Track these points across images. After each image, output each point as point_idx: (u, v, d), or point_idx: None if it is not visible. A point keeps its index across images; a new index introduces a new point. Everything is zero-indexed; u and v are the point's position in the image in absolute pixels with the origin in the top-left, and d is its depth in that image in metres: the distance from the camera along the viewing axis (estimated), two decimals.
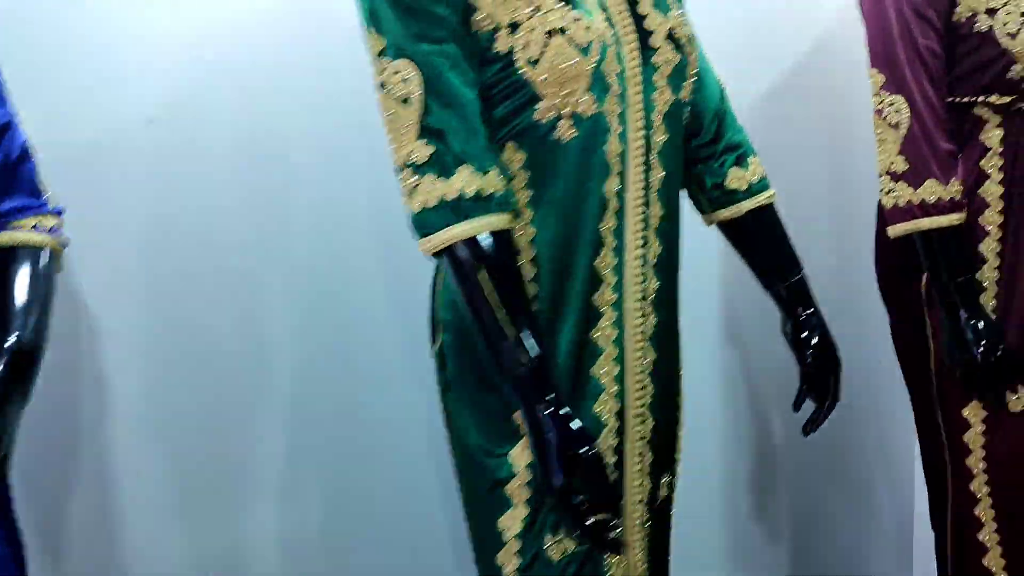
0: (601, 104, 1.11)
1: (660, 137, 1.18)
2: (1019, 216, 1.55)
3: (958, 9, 1.50)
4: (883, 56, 1.51)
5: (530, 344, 1.06)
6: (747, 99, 1.73)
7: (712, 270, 1.99)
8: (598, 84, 1.10)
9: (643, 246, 1.18)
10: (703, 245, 1.59)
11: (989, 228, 1.56)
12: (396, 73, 1.05)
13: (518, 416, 1.14)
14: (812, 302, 1.40)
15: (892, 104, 1.51)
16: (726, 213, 1.38)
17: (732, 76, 1.44)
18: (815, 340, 1.38)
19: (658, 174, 1.19)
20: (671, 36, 1.18)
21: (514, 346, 1.05)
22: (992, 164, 1.55)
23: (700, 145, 1.36)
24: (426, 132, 1.05)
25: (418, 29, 1.05)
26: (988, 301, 1.57)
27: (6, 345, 1.17)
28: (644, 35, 1.15)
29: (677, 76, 1.19)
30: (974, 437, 1.61)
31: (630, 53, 1.14)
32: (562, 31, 1.07)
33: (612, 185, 1.14)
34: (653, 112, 1.16)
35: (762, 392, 2.10)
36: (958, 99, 1.55)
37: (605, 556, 1.19)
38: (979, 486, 1.61)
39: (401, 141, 1.06)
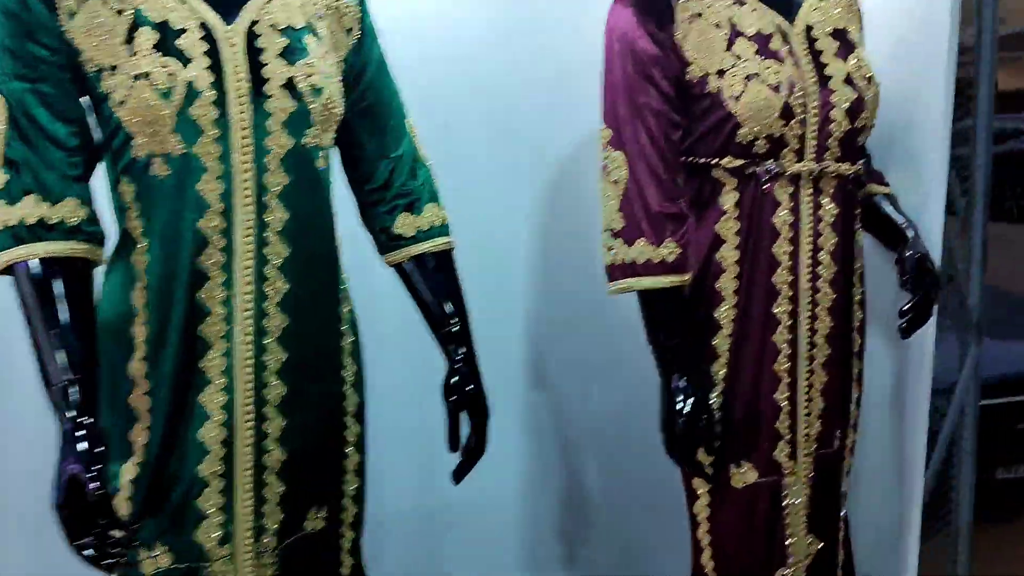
0: (191, 145, 1.17)
1: (278, 179, 1.23)
2: (751, 283, 1.50)
3: (690, 69, 1.46)
4: (610, 113, 1.49)
5: (62, 364, 1.13)
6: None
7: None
8: (186, 127, 1.17)
9: (258, 282, 1.23)
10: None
11: (725, 293, 1.51)
12: None
13: (132, 433, 1.21)
14: (465, 352, 1.41)
15: (614, 161, 1.48)
16: (393, 257, 1.41)
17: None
18: (466, 387, 1.38)
19: (280, 215, 1.24)
20: (290, 84, 1.22)
21: (49, 362, 1.13)
22: (728, 228, 1.50)
23: (370, 190, 1.39)
24: (5, 162, 1.15)
25: (12, 68, 1.14)
26: (719, 370, 1.52)
27: None
28: (258, 82, 1.21)
29: (297, 122, 1.23)
30: (701, 509, 1.56)
31: (237, 99, 1.20)
32: (147, 75, 1.14)
33: (212, 222, 1.20)
34: (267, 155, 1.22)
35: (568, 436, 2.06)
36: (697, 160, 1.51)
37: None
38: (707, 560, 1.55)
39: None
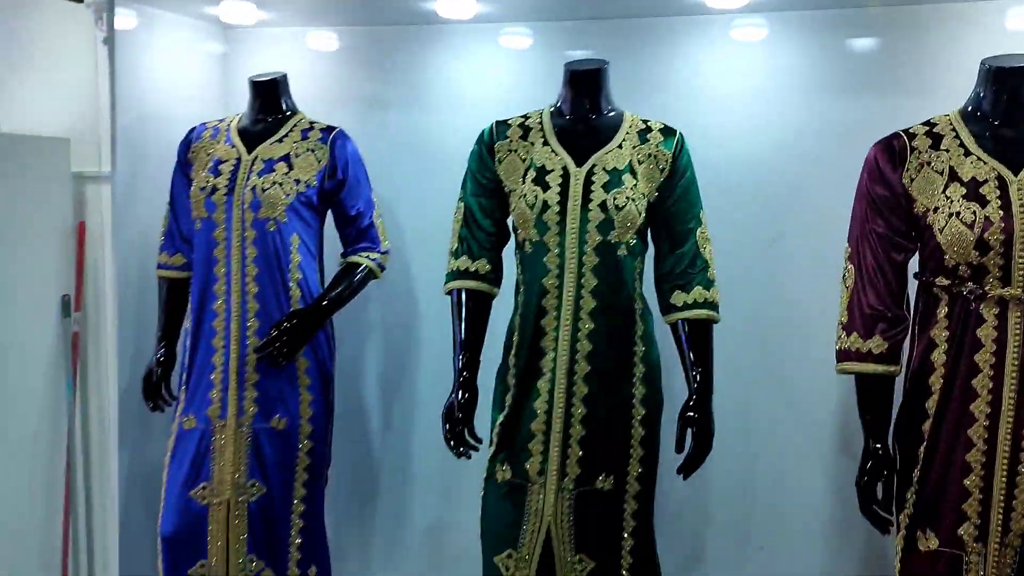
0: (542, 236, 2.05)
1: (592, 260, 2.03)
2: (954, 384, 1.80)
3: (915, 205, 1.85)
4: (851, 234, 1.94)
5: (459, 350, 2.11)
6: None
7: None
8: (540, 225, 2.05)
9: (575, 321, 2.04)
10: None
11: (934, 388, 1.84)
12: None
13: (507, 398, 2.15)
14: (699, 393, 2.03)
15: (848, 271, 1.93)
16: (667, 318, 2.09)
17: None
18: (691, 414, 2.00)
19: (591, 281, 2.03)
20: (603, 204, 2.02)
21: (456, 350, 2.13)
22: (939, 335, 1.83)
23: (662, 273, 2.11)
24: (459, 239, 2.17)
25: (472, 189, 2.17)
26: (920, 449, 1.84)
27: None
28: (586, 202, 2.03)
29: (605, 226, 2.02)
30: (897, 564, 1.88)
31: (571, 210, 2.03)
32: (523, 196, 2.06)
33: (551, 281, 2.04)
34: (586, 245, 2.03)
35: None
36: (924, 279, 1.87)
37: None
38: None
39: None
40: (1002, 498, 1.75)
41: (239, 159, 2.47)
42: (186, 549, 2.41)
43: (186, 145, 2.58)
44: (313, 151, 2.49)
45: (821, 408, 2.31)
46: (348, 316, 2.66)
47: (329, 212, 2.57)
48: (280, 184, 2.41)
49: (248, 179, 2.42)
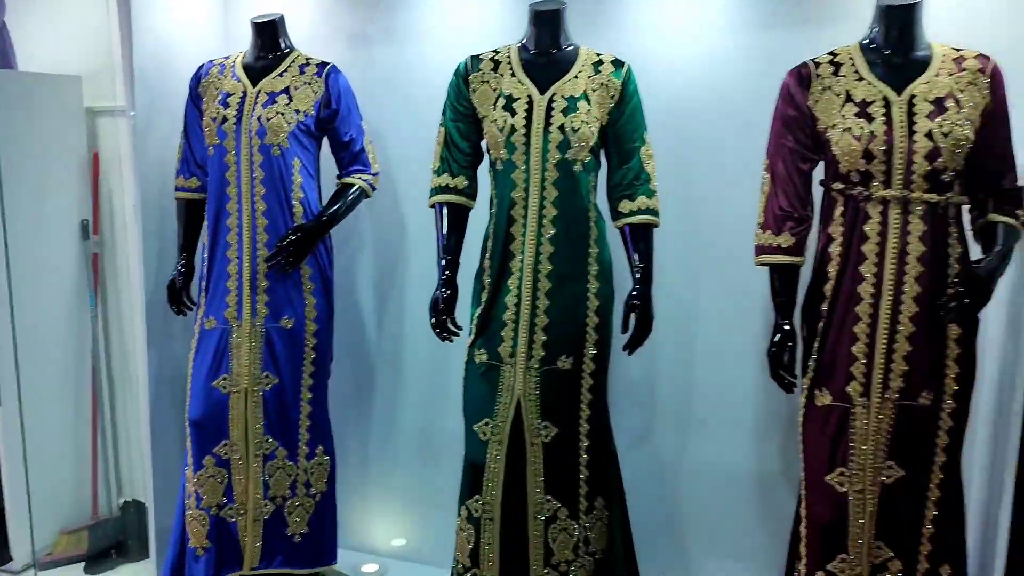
0: (511, 155, 2.41)
1: (553, 175, 2.39)
2: (846, 270, 2.20)
3: (818, 123, 2.23)
4: (768, 148, 2.32)
5: (442, 254, 2.50)
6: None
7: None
8: (509, 146, 2.41)
9: (538, 227, 2.42)
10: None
11: (830, 275, 2.24)
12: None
13: (483, 294, 2.54)
14: (641, 285, 2.43)
15: (764, 179, 2.32)
16: (616, 223, 2.47)
17: None
18: (634, 301, 2.41)
19: (553, 192, 2.40)
20: (561, 128, 2.38)
21: (439, 252, 2.52)
22: (836, 230, 2.23)
23: (612, 185, 2.48)
24: (440, 158, 2.53)
25: (451, 115, 2.53)
26: (821, 324, 2.26)
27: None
28: (547, 125, 2.39)
29: (563, 146, 2.39)
30: (799, 418, 2.30)
31: (535, 133, 2.39)
32: (494, 121, 2.42)
33: (519, 194, 2.41)
34: (547, 162, 2.40)
35: None
36: (825, 184, 2.26)
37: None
38: (800, 453, 2.30)
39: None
40: (882, 362, 2.17)
41: (245, 92, 2.80)
42: (210, 431, 2.81)
43: (196, 80, 2.90)
44: (310, 84, 2.82)
45: (753, 296, 2.68)
46: (344, 230, 3.03)
47: (325, 139, 2.92)
48: (282, 114, 2.75)
49: (254, 110, 2.76)
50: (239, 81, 2.83)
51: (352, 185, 2.88)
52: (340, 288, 3.00)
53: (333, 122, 2.85)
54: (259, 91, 2.79)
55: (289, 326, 2.81)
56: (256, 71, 2.85)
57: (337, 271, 2.96)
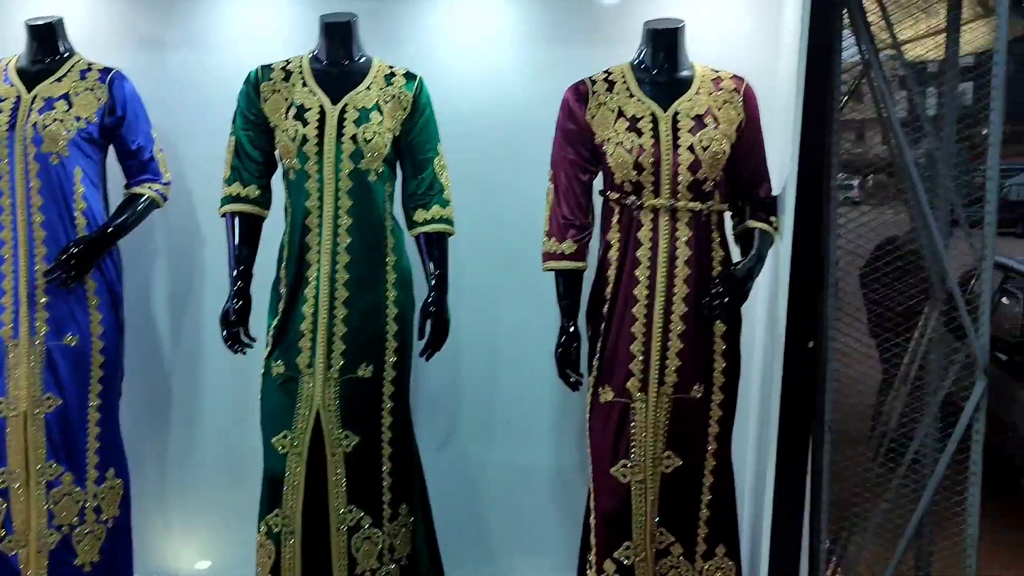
0: (304, 165, 2.42)
1: (347, 184, 2.41)
2: (623, 274, 2.35)
3: (596, 137, 2.37)
4: (551, 159, 2.45)
5: (233, 264, 2.47)
6: None
7: None
8: (301, 155, 2.41)
9: (335, 236, 2.43)
10: None
11: (610, 279, 2.39)
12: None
13: (279, 304, 2.51)
14: (436, 293, 2.49)
15: (549, 189, 2.44)
16: (412, 232, 2.54)
17: None
18: (431, 308, 2.47)
19: (347, 202, 2.42)
20: (354, 138, 2.41)
21: (231, 263, 2.48)
22: (614, 237, 2.38)
23: (407, 195, 2.54)
24: (231, 167, 2.49)
25: (241, 124, 2.49)
26: (603, 326, 2.39)
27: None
28: (340, 135, 2.41)
29: (356, 155, 2.42)
30: (586, 414, 2.43)
31: (328, 142, 2.41)
32: (286, 130, 2.41)
33: (313, 203, 2.42)
34: (341, 172, 2.42)
35: None
36: (604, 194, 2.41)
37: None
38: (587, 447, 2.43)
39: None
40: (658, 359, 2.34)
41: (19, 97, 2.64)
42: None
43: None
44: (92, 90, 2.70)
45: (549, 301, 2.77)
46: (136, 242, 2.91)
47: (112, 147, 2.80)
48: (61, 121, 2.62)
49: (29, 116, 2.61)
50: (12, 85, 2.67)
51: (141, 195, 2.78)
52: (132, 302, 2.88)
53: (119, 129, 2.74)
54: (35, 96, 2.65)
55: (73, 343, 2.67)
56: (31, 75, 2.70)
57: (129, 284, 2.84)
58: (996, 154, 2.32)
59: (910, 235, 2.45)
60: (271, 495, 2.47)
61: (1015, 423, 4.70)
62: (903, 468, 2.52)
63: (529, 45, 2.83)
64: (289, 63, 2.54)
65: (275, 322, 2.50)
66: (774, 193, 2.44)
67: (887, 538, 2.57)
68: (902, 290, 2.57)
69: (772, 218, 2.41)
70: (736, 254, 2.43)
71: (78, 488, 2.71)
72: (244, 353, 2.51)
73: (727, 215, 2.44)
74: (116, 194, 2.81)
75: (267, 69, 2.53)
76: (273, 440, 2.47)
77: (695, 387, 2.36)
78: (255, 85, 2.51)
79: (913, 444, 2.51)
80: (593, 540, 2.40)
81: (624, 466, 2.34)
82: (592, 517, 2.41)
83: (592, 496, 2.41)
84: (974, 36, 2.61)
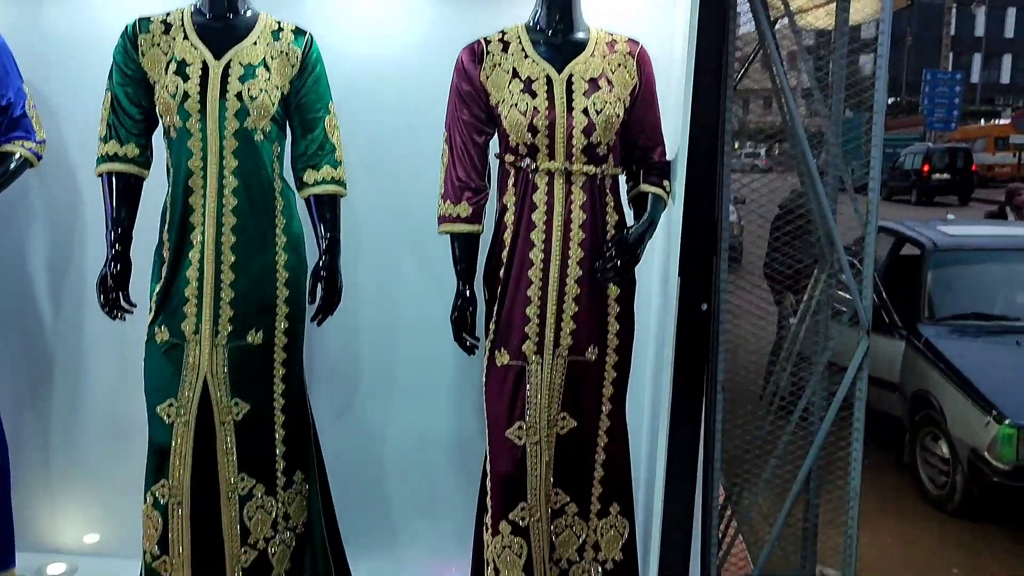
0: (185, 122, 2.32)
1: (231, 144, 2.33)
2: (519, 237, 2.34)
3: (490, 98, 2.34)
4: (446, 121, 2.41)
5: (111, 226, 2.35)
6: None
7: None
8: (183, 112, 2.31)
9: (219, 197, 2.34)
10: None
11: (507, 242, 2.37)
12: None
13: (163, 268, 2.41)
14: (329, 255, 2.43)
15: (444, 151, 2.40)
16: (301, 193, 2.47)
17: None
18: (322, 272, 2.41)
19: (232, 163, 2.33)
20: (239, 95, 2.32)
21: (108, 224, 2.38)
22: (510, 200, 2.36)
23: (296, 155, 2.46)
24: (108, 125, 2.37)
25: (118, 78, 2.37)
26: (500, 289, 2.38)
27: None
28: (224, 92, 2.32)
29: (241, 113, 2.33)
30: (483, 378, 2.42)
31: (211, 99, 2.31)
32: (166, 86, 2.30)
33: (196, 163, 2.32)
34: (225, 130, 2.32)
35: None
36: (499, 156, 2.38)
37: None
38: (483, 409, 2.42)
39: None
40: (553, 321, 2.34)
41: None
42: None
43: None
44: None
45: (447, 265, 2.75)
46: (9, 203, 2.75)
47: None
48: None
49: None
50: None
51: (12, 153, 2.62)
52: (6, 269, 2.73)
53: None
54: None
55: None
56: None
57: (2, 249, 2.69)
58: (881, 120, 2.38)
59: (796, 200, 2.50)
60: (157, 465, 2.39)
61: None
62: (792, 425, 2.61)
63: (424, 5, 2.76)
64: (169, 15, 2.41)
65: (158, 287, 2.40)
66: (668, 158, 2.45)
67: (777, 492, 2.66)
68: (793, 254, 2.64)
69: (665, 182, 2.42)
70: (631, 218, 2.44)
71: None
72: (123, 319, 2.41)
73: (622, 179, 2.44)
74: None
75: (145, 21, 2.40)
76: (158, 409, 2.38)
77: (590, 349, 2.37)
78: (132, 38, 2.38)
79: (801, 402, 2.59)
80: (489, 502, 2.40)
81: (520, 428, 2.35)
82: (488, 480, 2.41)
83: (488, 459, 2.41)
84: (863, 4, 2.68)
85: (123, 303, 2.38)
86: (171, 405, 2.37)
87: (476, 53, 2.35)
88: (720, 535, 2.61)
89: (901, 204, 20.44)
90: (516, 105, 2.27)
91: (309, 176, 2.45)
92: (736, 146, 2.36)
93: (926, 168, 21.25)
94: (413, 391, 2.96)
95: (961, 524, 4.39)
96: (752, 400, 2.79)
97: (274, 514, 2.50)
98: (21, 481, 2.81)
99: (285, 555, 2.54)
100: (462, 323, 2.37)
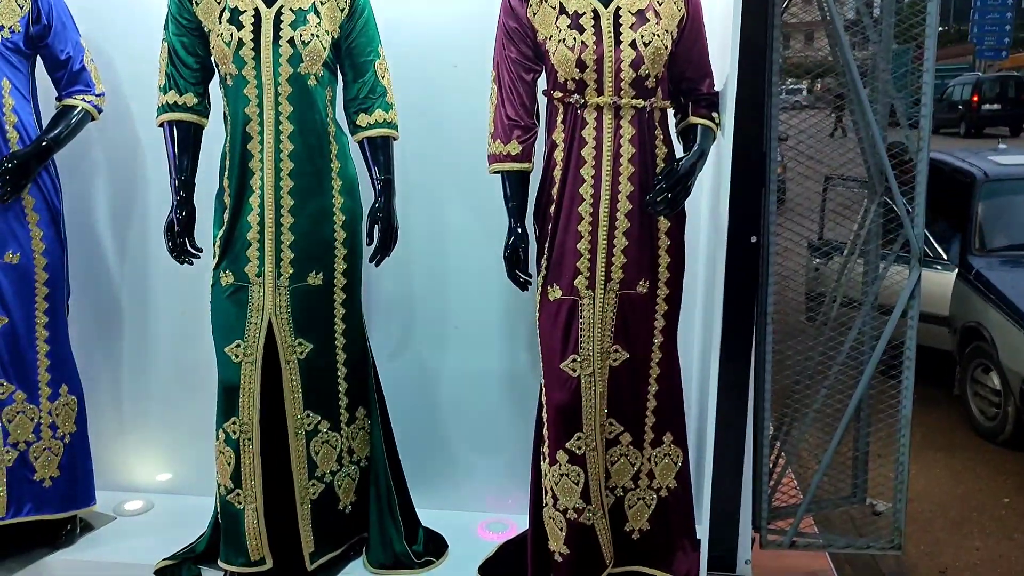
0: (240, 70, 2.37)
1: (286, 89, 2.38)
2: (569, 173, 2.37)
3: (538, 35, 2.35)
4: (493, 60, 2.43)
5: (175, 174, 2.44)
6: None
7: None
8: (238, 60, 2.36)
9: (276, 143, 2.40)
10: None
11: (556, 179, 2.40)
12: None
13: (225, 214, 2.49)
14: (384, 197, 2.49)
15: (492, 90, 2.43)
16: (355, 137, 2.52)
17: None
18: (379, 212, 2.47)
19: (287, 108, 2.39)
20: (291, 40, 2.36)
21: (172, 172, 2.46)
22: (559, 137, 2.39)
23: (348, 100, 2.50)
24: (165, 75, 2.43)
25: (174, 29, 2.41)
26: (550, 226, 2.42)
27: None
28: (276, 38, 2.36)
29: (295, 59, 2.37)
30: (536, 312, 2.47)
31: (265, 46, 2.36)
32: (221, 34, 2.35)
33: (253, 110, 2.38)
34: (280, 76, 2.37)
35: None
36: (547, 93, 2.40)
37: None
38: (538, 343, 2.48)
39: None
40: (604, 256, 2.38)
41: None
42: None
43: None
44: None
45: (497, 204, 2.78)
46: (73, 156, 2.84)
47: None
48: None
49: None
50: None
51: (74, 107, 2.70)
52: (73, 217, 2.83)
53: (45, 39, 2.64)
54: None
55: (15, 261, 2.63)
56: None
57: (68, 198, 2.79)
58: (933, 44, 2.35)
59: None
60: (227, 403, 2.50)
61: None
62: (843, 355, 2.63)
63: None
64: None
65: (221, 232, 2.48)
66: (716, 89, 2.45)
67: (827, 423, 2.70)
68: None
69: (714, 114, 2.42)
70: (680, 151, 2.46)
71: (32, 405, 2.71)
72: (191, 263, 2.50)
73: (670, 112, 2.45)
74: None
75: None
76: (226, 349, 2.48)
77: (641, 283, 2.41)
78: None
79: (851, 333, 2.61)
80: (546, 433, 2.48)
81: (574, 360, 2.41)
82: (544, 411, 2.48)
83: (544, 391, 2.48)
84: None
85: (190, 248, 2.47)
86: (238, 346, 2.46)
87: None
88: (771, 465, 2.66)
89: (949, 137, 19.91)
90: (564, 41, 2.28)
91: (362, 119, 2.50)
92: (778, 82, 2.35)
93: (975, 98, 20.58)
94: (466, 329, 3.03)
95: (1012, 455, 4.40)
96: (800, 334, 2.81)
97: (339, 448, 2.60)
98: (96, 424, 2.94)
99: (351, 487, 2.65)
100: (515, 260, 2.42)
